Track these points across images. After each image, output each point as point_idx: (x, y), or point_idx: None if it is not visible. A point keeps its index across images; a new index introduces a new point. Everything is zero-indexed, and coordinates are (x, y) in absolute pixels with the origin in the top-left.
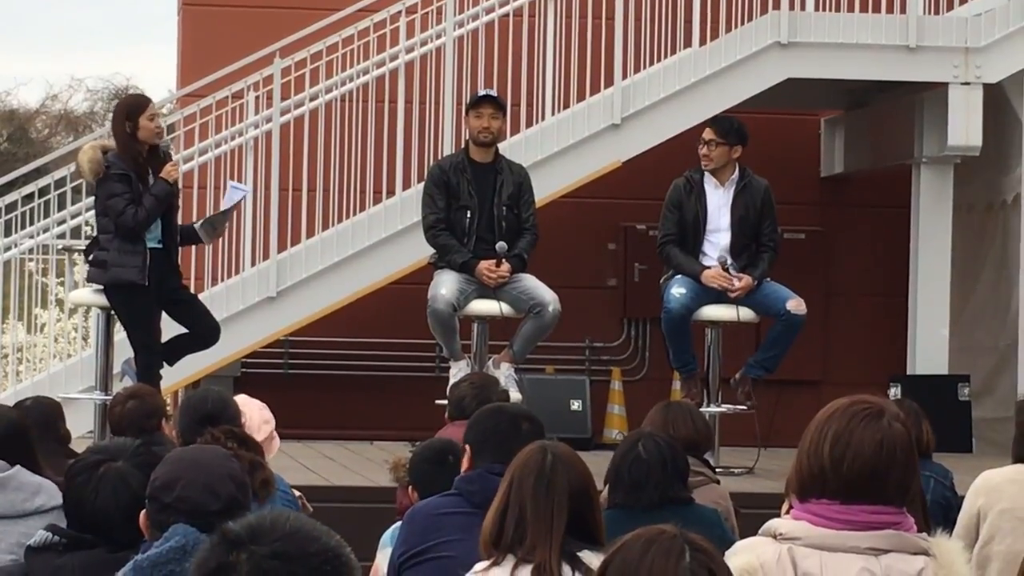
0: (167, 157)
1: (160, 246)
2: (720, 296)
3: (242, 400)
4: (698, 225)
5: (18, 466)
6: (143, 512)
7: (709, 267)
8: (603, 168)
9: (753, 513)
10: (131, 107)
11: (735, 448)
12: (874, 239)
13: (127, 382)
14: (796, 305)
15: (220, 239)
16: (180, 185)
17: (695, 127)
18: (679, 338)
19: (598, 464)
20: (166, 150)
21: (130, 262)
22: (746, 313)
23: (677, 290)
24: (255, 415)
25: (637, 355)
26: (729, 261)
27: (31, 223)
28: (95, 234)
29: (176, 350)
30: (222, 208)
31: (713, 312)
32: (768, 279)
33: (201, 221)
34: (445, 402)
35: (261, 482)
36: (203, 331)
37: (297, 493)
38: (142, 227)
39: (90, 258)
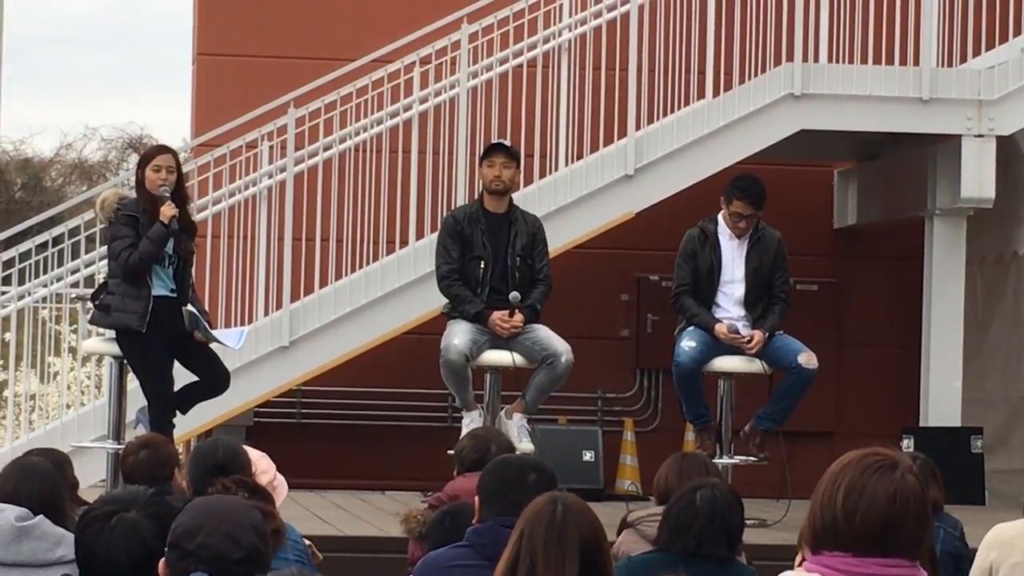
0: (163, 201)
1: (173, 295)
2: (733, 347)
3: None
4: (712, 276)
5: (41, 516)
6: (161, 561)
7: (722, 320)
8: (616, 219)
9: (766, 565)
10: (142, 156)
11: (748, 500)
12: (887, 291)
13: (140, 431)
14: (807, 359)
15: (234, 287)
16: (176, 226)
17: (709, 178)
18: (691, 391)
19: (610, 515)
20: (163, 194)
21: (132, 307)
22: (760, 364)
23: (687, 343)
24: (254, 464)
25: (650, 406)
26: (738, 326)
27: (45, 272)
28: (105, 279)
29: (187, 398)
30: (213, 331)
31: (726, 364)
32: (780, 331)
33: (199, 318)
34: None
35: (272, 531)
36: (213, 379)
37: (307, 542)
38: (132, 270)
39: (96, 302)
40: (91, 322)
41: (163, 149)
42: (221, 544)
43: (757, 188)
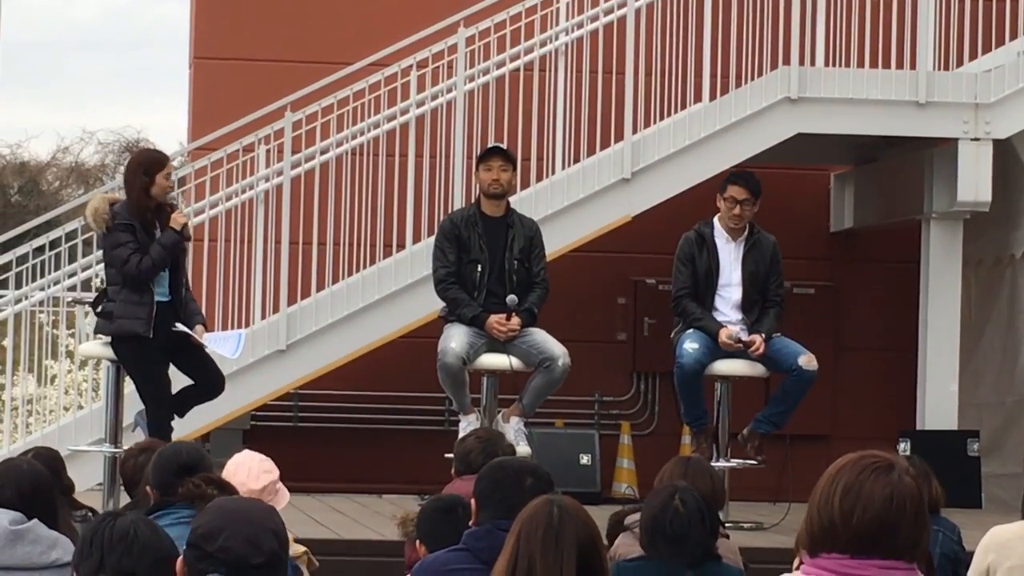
0: (173, 208)
1: (168, 300)
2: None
3: (242, 454)
4: (710, 279)
5: (35, 520)
6: (179, 559)
7: (724, 325)
8: (613, 222)
9: (764, 568)
10: (150, 162)
11: (746, 503)
12: (883, 294)
13: (139, 434)
14: (808, 361)
15: (231, 291)
16: (190, 234)
17: (706, 182)
18: (692, 393)
19: (607, 519)
20: (173, 201)
21: (136, 313)
22: (760, 368)
23: (690, 345)
24: (254, 466)
25: (647, 409)
26: (740, 334)
27: (42, 275)
28: (104, 286)
29: (183, 402)
30: (208, 334)
31: (728, 366)
32: (778, 334)
33: (190, 333)
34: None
35: None
36: (208, 383)
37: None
38: (145, 275)
39: (98, 310)
40: (96, 331)
41: (167, 156)
42: (241, 548)
43: (752, 176)
